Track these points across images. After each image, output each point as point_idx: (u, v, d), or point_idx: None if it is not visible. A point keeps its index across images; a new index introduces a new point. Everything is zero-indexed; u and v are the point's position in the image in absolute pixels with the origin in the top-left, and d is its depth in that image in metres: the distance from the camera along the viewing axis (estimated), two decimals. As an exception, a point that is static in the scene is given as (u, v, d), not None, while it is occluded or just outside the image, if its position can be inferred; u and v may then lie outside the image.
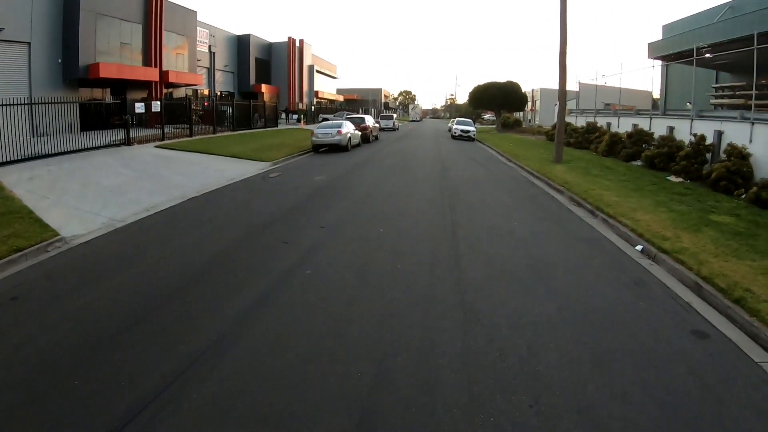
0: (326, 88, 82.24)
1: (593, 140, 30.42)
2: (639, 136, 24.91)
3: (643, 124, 26.30)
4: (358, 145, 31.84)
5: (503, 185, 17.88)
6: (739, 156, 17.00)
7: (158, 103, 28.05)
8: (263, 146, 27.74)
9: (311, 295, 7.16)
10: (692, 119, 21.97)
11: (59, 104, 20.36)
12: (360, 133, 32.61)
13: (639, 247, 10.19)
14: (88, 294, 7.24)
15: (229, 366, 5.21)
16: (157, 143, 24.96)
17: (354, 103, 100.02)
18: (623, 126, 29.11)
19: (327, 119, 40.08)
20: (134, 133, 24.73)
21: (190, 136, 29.99)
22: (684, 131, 22.20)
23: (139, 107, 26.20)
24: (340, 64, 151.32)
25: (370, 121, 38.08)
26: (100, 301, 6.95)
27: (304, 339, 5.81)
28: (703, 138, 19.59)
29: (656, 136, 23.99)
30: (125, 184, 15.63)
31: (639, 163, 23.37)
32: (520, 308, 6.75)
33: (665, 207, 13.48)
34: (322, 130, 28.01)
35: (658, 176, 19.61)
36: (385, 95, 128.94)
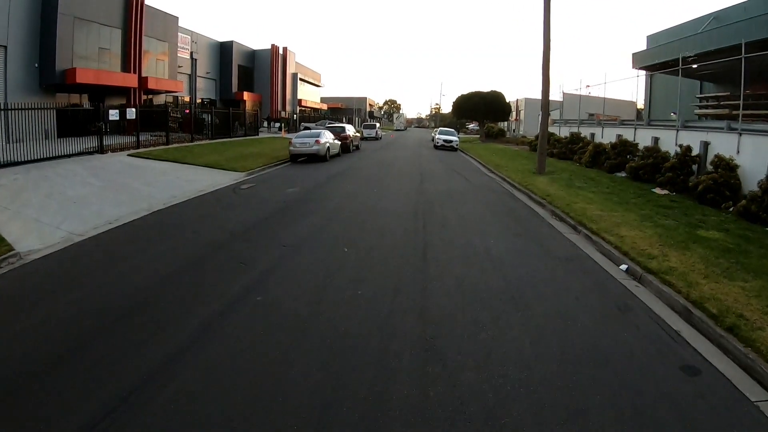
0: (310, 96, 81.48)
1: (577, 151, 29.91)
2: (623, 147, 24.38)
3: (628, 134, 25.80)
4: (337, 155, 31.10)
5: (482, 198, 17.19)
6: (727, 167, 16.43)
7: (133, 110, 27.18)
8: (239, 155, 26.92)
9: (258, 325, 6.37)
10: (677, 130, 21.46)
11: (35, 110, 19.65)
12: (339, 142, 31.87)
13: (624, 267, 9.54)
14: (22, 321, 6.48)
15: (144, 419, 4.40)
16: (131, 151, 24.21)
17: (339, 111, 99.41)
18: (607, 136, 28.62)
19: (309, 128, 39.38)
20: (109, 140, 24.04)
21: (167, 144, 29.09)
22: (669, 142, 21.67)
23: (113, 114, 25.31)
24: (324, 73, 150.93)
25: (350, 130, 37.33)
26: (30, 331, 6.17)
27: (239, 382, 5.02)
28: (689, 149, 19.06)
29: (641, 146, 23.47)
30: (91, 195, 14.90)
31: (623, 174, 22.82)
32: (490, 344, 5.98)
33: (651, 222, 12.84)
34: (300, 140, 27.23)
35: (644, 188, 19.04)
36: (370, 104, 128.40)
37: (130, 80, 37.46)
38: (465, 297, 7.56)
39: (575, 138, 31.71)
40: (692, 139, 19.70)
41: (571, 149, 30.94)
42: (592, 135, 31.45)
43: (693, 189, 17.10)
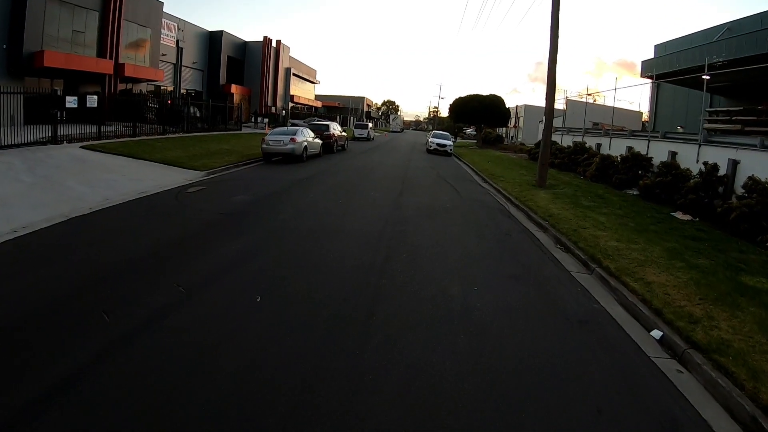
0: (304, 93, 78.82)
1: (581, 162, 27.19)
2: (635, 161, 21.68)
3: (640, 147, 23.13)
4: (318, 155, 28.40)
5: (472, 217, 14.41)
6: (764, 192, 13.72)
7: (94, 97, 24.69)
8: (207, 152, 24.25)
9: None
10: (699, 144, 18.81)
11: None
12: (321, 141, 29.19)
13: (657, 334, 6.85)
14: None
15: None
16: (87, 143, 21.83)
17: (335, 110, 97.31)
18: (616, 148, 25.95)
19: (296, 124, 36.76)
20: (70, 130, 21.99)
21: (133, 136, 26.69)
22: (689, 158, 19.04)
23: (71, 101, 22.98)
24: (322, 70, 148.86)
25: (336, 128, 34.53)
26: None
27: None
28: (715, 168, 16.35)
29: (655, 161, 20.83)
30: (14, 194, 12.58)
31: (635, 192, 20.13)
32: None
33: (681, 260, 10.20)
34: (274, 137, 24.45)
35: (662, 211, 16.37)
36: (368, 104, 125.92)
37: (105, 66, 35.08)
38: (421, 412, 4.58)
39: (579, 148, 29.00)
40: (718, 156, 17.05)
41: (575, 160, 28.22)
42: (598, 146, 28.79)
43: (722, 216, 14.40)
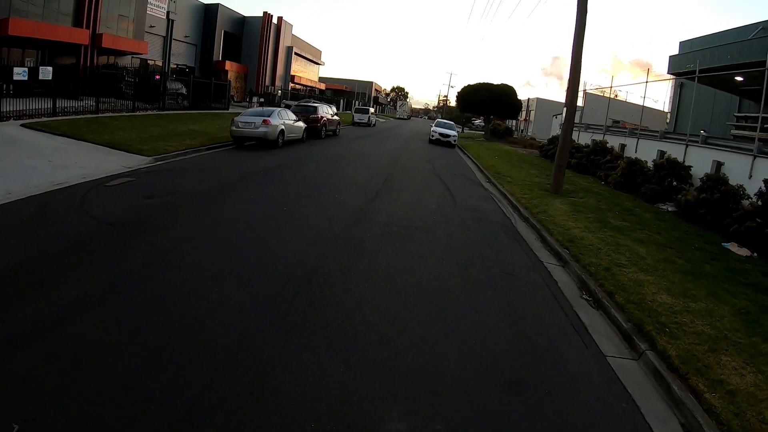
0: (307, 74, 75.08)
1: (602, 165, 23.58)
2: (671, 170, 18.09)
3: (674, 152, 19.55)
4: (300, 140, 25.04)
5: (462, 238, 10.77)
6: None
7: (49, 69, 21.36)
8: (169, 133, 20.84)
9: None
10: (754, 156, 15.24)
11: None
12: (305, 125, 25.77)
13: None
14: None
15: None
16: (28, 121, 18.74)
17: (342, 93, 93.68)
18: (644, 151, 22.37)
19: (289, 106, 33.36)
20: (22, 105, 19.37)
21: (96, 113, 23.44)
22: (739, 171, 15.53)
23: (19, 73, 20.09)
24: (330, 53, 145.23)
25: (325, 111, 30.90)
26: None
27: None
28: (783, 188, 12.88)
29: (695, 171, 17.37)
30: None
31: (670, 208, 16.62)
32: None
33: (764, 336, 6.87)
34: (245, 119, 20.99)
35: (710, 239, 12.94)
36: (376, 89, 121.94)
37: (79, 36, 31.74)
38: None
39: (600, 148, 25.35)
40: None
41: (594, 161, 24.61)
42: (622, 147, 25.19)
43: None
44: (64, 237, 7.91)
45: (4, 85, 18.95)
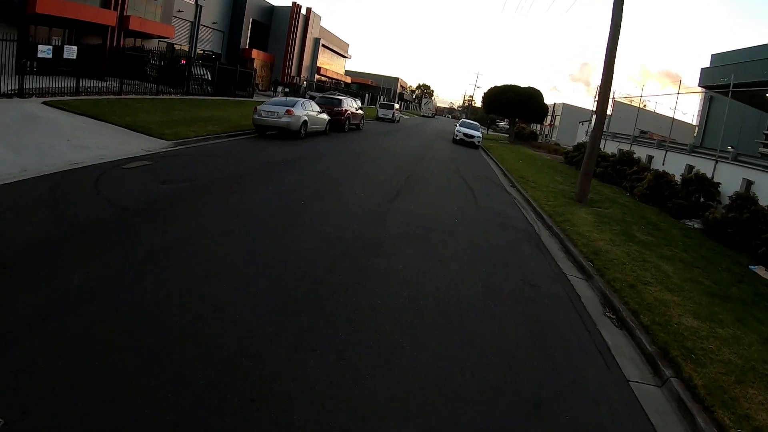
0: (333, 66, 74.95)
1: (628, 175, 23.02)
2: (699, 186, 17.58)
3: (703, 167, 19.02)
4: (323, 132, 24.80)
5: (484, 244, 10.37)
6: None
7: (74, 48, 21.39)
8: (192, 118, 20.67)
9: None
10: (789, 174, 14.74)
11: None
12: (329, 118, 25.46)
13: None
14: None
15: None
16: (51, 99, 18.62)
17: (367, 88, 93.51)
18: (672, 164, 21.85)
19: (313, 97, 33.17)
20: (47, 82, 19.20)
21: (119, 94, 23.46)
22: (770, 190, 15.05)
23: (44, 51, 20.00)
24: (357, 46, 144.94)
25: (350, 105, 30.65)
26: None
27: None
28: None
29: (724, 189, 16.87)
30: None
31: (696, 224, 16.13)
32: None
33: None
34: (268, 108, 20.78)
35: (737, 260, 12.52)
36: (402, 85, 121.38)
37: (106, 17, 31.70)
38: None
39: (627, 158, 24.79)
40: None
41: (621, 172, 24.06)
42: (650, 158, 24.66)
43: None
44: (74, 220, 7.71)
45: (28, 62, 18.97)
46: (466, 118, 69.13)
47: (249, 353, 4.80)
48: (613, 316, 7.77)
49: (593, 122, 17.58)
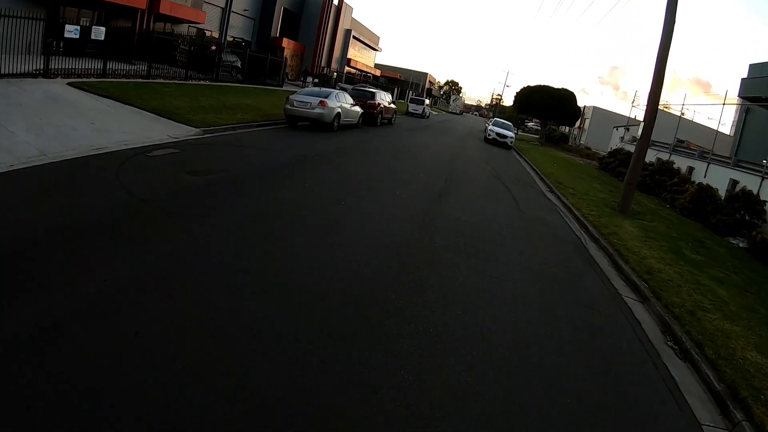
0: (363, 59, 74.22)
1: (668, 187, 22.15)
2: (746, 203, 16.74)
3: (749, 183, 18.09)
4: (355, 125, 24.24)
5: (537, 259, 9.67)
6: None
7: (101, 29, 20.91)
8: (220, 105, 20.24)
9: None
10: None
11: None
12: (362, 111, 24.91)
13: None
14: None
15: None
16: (76, 80, 18.06)
17: (395, 82, 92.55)
18: (714, 178, 20.90)
19: (344, 89, 32.60)
20: (73, 63, 18.69)
21: (147, 78, 22.95)
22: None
23: (71, 31, 19.51)
24: (386, 39, 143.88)
25: (383, 98, 30.03)
26: None
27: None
28: None
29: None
30: None
31: (741, 243, 15.34)
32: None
33: None
34: (300, 97, 20.29)
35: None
36: (430, 80, 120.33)
37: (137, 0, 31.01)
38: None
39: (667, 168, 23.90)
40: None
41: (660, 182, 23.17)
42: (690, 170, 23.70)
43: None
44: (92, 212, 7.15)
45: (55, 42, 18.45)
46: (494, 116, 68.19)
47: (292, 395, 4.09)
48: (676, 347, 7.17)
49: (640, 131, 16.69)
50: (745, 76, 30.49)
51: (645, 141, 16.16)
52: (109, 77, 20.32)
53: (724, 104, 24.90)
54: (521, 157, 31.29)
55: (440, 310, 6.28)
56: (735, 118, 36.57)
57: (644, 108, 31.91)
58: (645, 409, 5.32)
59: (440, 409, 4.35)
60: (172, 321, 4.76)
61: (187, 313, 4.94)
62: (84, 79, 18.46)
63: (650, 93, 16.05)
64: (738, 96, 30.47)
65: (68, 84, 17.01)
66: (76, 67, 18.88)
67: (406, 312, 5.97)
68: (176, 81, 24.85)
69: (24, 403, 3.41)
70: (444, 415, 4.28)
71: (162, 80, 23.81)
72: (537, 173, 23.73)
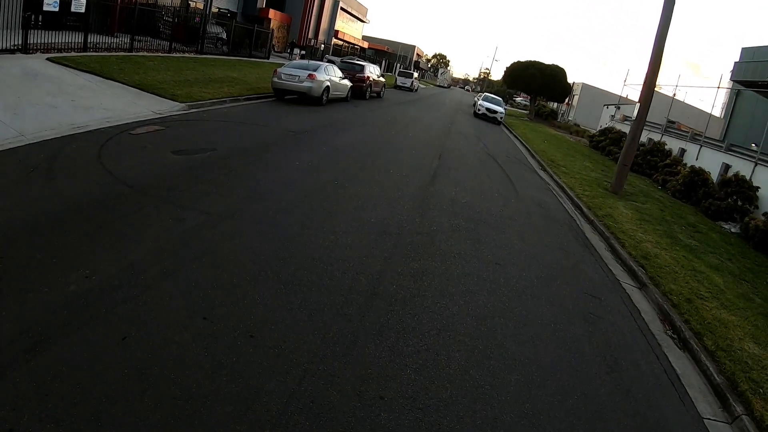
0: (351, 30, 73.10)
1: (660, 168, 22.05)
2: (738, 189, 16.67)
3: (741, 168, 17.99)
4: (344, 99, 23.83)
5: (535, 241, 9.50)
6: None
7: (82, 1, 20.06)
8: (206, 78, 19.67)
9: None
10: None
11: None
12: (350, 84, 24.48)
13: None
14: None
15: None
16: (55, 55, 17.31)
17: (383, 54, 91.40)
18: (706, 161, 20.77)
19: (332, 61, 32.05)
20: (53, 38, 17.94)
21: (130, 51, 22.17)
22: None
23: (50, 3, 18.54)
24: (374, 10, 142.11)
25: (372, 72, 29.47)
26: None
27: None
28: None
29: (762, 193, 16.04)
30: None
31: (734, 229, 15.28)
32: None
33: None
34: (289, 71, 19.80)
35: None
36: (418, 53, 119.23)
37: (118, -31, 30.09)
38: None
39: (658, 149, 23.80)
40: None
41: (651, 163, 23.08)
42: (682, 151, 23.55)
43: None
44: (71, 199, 6.68)
45: (33, 16, 17.58)
46: (482, 90, 67.80)
47: (299, 406, 3.85)
48: (675, 336, 7.15)
49: (634, 112, 16.50)
50: (738, 59, 30.48)
51: (640, 122, 16.01)
52: (90, 51, 19.58)
53: (718, 88, 24.64)
54: (511, 133, 31.08)
55: (443, 300, 6.13)
56: (725, 100, 36.57)
57: (635, 87, 31.88)
58: (652, 404, 5.26)
59: (451, 415, 4.19)
60: (158, 321, 4.42)
61: (176, 314, 4.62)
62: (64, 54, 17.73)
63: (646, 76, 15.87)
64: (730, 80, 30.38)
65: (48, 59, 16.32)
66: (56, 41, 18.16)
67: (410, 307, 5.78)
68: (160, 54, 24.10)
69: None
70: (454, 421, 4.12)
71: (145, 53, 23.02)
72: (528, 150, 23.57)
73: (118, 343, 4.04)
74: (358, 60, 32.81)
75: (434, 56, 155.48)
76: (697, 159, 21.73)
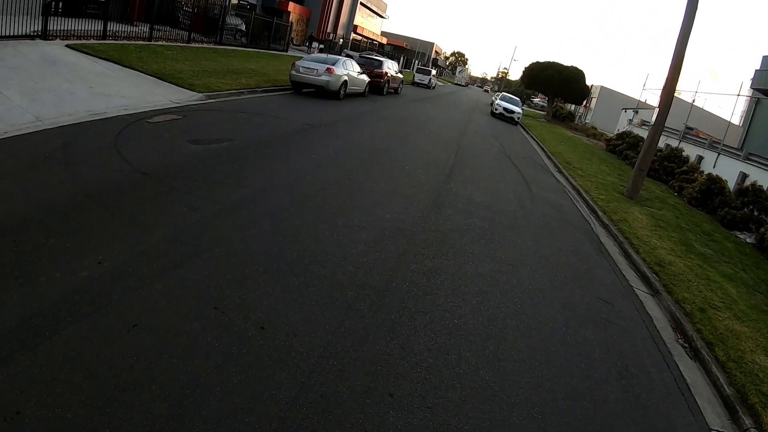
0: (370, 26, 73.04)
1: (677, 175, 21.85)
2: (755, 199, 16.52)
3: (759, 178, 17.81)
4: (362, 94, 23.83)
5: (549, 244, 9.45)
6: None
7: (99, -13, 20.21)
8: (224, 69, 19.73)
9: None
10: None
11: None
12: (368, 79, 24.42)
13: None
14: None
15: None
16: (74, 42, 17.39)
17: (401, 50, 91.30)
18: (723, 169, 20.58)
19: (350, 56, 32.05)
20: (72, 25, 17.83)
21: (149, 40, 22.22)
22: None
23: None
24: (392, 6, 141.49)
25: (390, 67, 29.41)
26: None
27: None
28: None
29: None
30: None
31: (749, 239, 15.14)
32: None
33: None
34: (307, 64, 19.80)
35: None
36: (436, 51, 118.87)
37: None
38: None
39: (675, 156, 23.57)
40: None
41: (668, 169, 22.86)
42: (699, 158, 23.34)
43: None
44: (86, 186, 6.74)
45: (53, 3, 17.82)
46: (500, 90, 67.52)
47: (306, 407, 3.80)
48: (686, 345, 7.07)
49: (653, 117, 16.35)
50: (759, 67, 30.10)
51: (658, 128, 15.86)
52: (109, 39, 19.63)
53: (738, 95, 24.36)
54: (528, 133, 30.94)
55: (455, 299, 6.12)
56: (744, 108, 36.18)
57: (654, 92, 31.61)
58: (662, 415, 5.21)
59: (459, 416, 4.17)
60: (169, 311, 4.45)
61: (189, 302, 4.66)
62: (83, 41, 17.81)
63: (666, 81, 15.68)
64: (750, 87, 30.03)
65: (67, 46, 16.42)
66: (76, 28, 18.18)
67: (422, 305, 5.76)
68: (179, 44, 24.15)
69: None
70: (462, 422, 4.09)
71: (164, 43, 23.10)
72: (544, 151, 23.44)
73: (129, 331, 4.08)
74: (376, 55, 32.74)
75: (452, 54, 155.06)
76: (714, 167, 21.52)
